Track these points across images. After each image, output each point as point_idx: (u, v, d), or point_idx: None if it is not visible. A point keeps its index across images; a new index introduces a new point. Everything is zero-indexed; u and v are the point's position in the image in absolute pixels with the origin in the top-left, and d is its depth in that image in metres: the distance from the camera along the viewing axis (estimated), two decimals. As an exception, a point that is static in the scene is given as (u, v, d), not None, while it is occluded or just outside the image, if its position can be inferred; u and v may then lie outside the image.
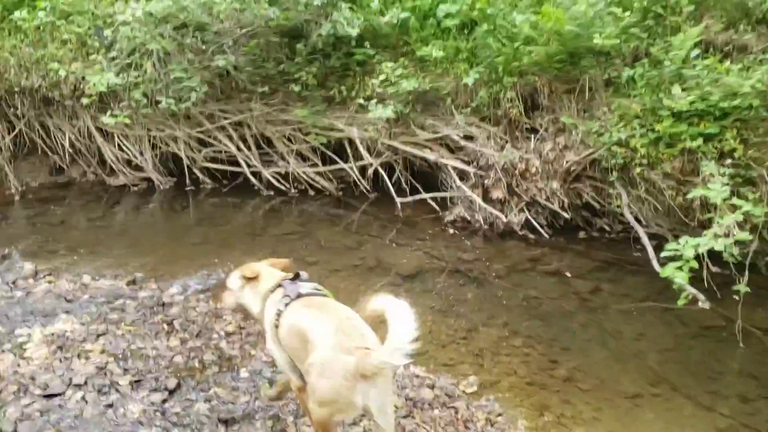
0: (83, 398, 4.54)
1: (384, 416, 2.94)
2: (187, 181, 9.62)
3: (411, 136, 8.30)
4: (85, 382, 4.71)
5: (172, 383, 4.72)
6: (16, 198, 9.37)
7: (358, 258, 7.37)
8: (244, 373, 4.90)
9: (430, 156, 8.19)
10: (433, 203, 8.52)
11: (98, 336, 5.44)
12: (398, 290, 6.55)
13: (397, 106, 7.63)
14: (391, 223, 8.32)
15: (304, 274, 3.58)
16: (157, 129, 9.14)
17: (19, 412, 4.34)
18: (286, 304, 3.33)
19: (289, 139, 9.02)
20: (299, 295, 3.34)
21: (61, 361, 5.05)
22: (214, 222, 8.67)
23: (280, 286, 3.46)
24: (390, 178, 8.66)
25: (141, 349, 5.22)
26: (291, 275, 3.53)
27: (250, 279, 3.58)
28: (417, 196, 8.42)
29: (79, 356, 5.12)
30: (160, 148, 9.40)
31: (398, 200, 8.36)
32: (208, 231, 8.37)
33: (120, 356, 5.03)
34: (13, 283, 6.82)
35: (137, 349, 5.22)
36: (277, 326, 3.32)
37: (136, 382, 4.68)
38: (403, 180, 8.85)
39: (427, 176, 8.86)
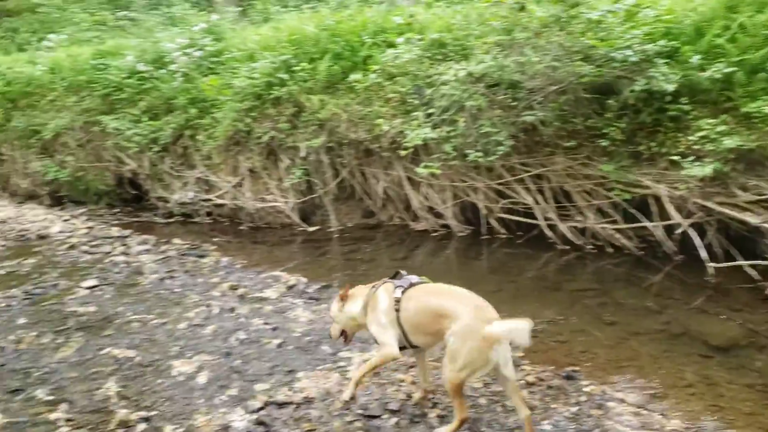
0: (397, 424, 4.94)
1: (508, 368, 4.13)
2: (483, 230, 10.09)
3: (729, 197, 7.72)
4: (399, 409, 5.12)
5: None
6: (335, 235, 10.74)
7: (661, 322, 7.05)
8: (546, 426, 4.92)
9: (753, 219, 7.52)
10: (751, 271, 7.75)
11: (409, 367, 5.92)
12: (709, 363, 6.09)
13: (716, 164, 7.19)
14: (699, 288, 7.80)
15: (403, 272, 4.83)
16: (460, 180, 9.83)
17: (343, 428, 4.92)
18: (402, 292, 4.53)
19: (589, 194, 9.02)
20: (411, 285, 4.58)
21: (377, 386, 5.59)
22: (508, 272, 8.97)
23: (382, 285, 4.77)
24: (701, 239, 8.11)
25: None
26: (392, 275, 4.86)
27: (345, 297, 4.90)
28: (734, 263, 7.74)
29: (392, 383, 5.62)
30: (460, 197, 10.05)
31: (710, 265, 7.78)
32: (501, 280, 8.70)
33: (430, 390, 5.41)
34: (337, 309, 7.75)
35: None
36: (398, 310, 4.47)
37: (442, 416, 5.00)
38: (715, 243, 8.21)
39: (744, 241, 8.13)
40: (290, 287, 8.35)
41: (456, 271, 9.54)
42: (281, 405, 5.44)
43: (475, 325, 4.05)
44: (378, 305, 4.57)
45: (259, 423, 5.18)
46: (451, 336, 4.13)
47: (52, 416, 5.46)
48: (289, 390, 5.67)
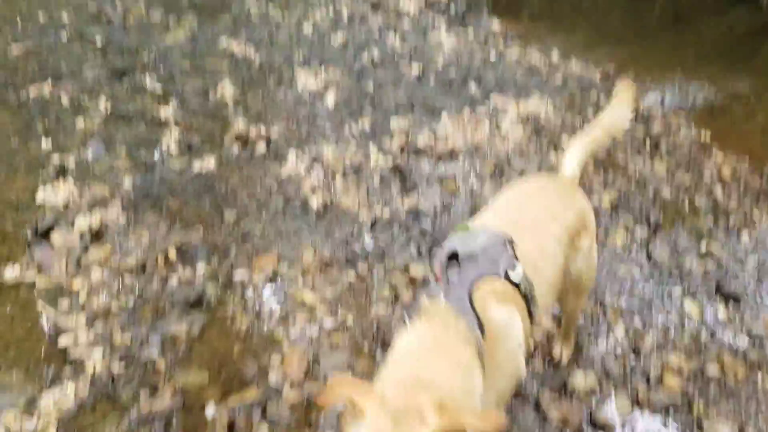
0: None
1: None
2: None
3: None
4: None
5: (656, 217, 4.09)
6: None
7: None
8: (745, 238, 4.02)
9: None
10: None
11: (574, 127, 4.97)
12: None
13: None
14: None
15: None
16: None
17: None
18: None
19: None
20: None
21: (535, 149, 4.72)
22: (692, 24, 7.33)
23: None
24: None
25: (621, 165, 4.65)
26: None
27: None
28: None
29: (555, 149, 4.73)
30: None
31: None
32: (682, 35, 7.11)
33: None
34: (485, 41, 6.60)
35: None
36: None
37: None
38: None
39: None
40: (431, 3, 7.11)
41: (629, 16, 7.98)
42: (420, 152, 4.68)
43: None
44: None
45: (395, 168, 4.47)
46: None
47: (162, 113, 4.89)
48: (431, 134, 4.86)
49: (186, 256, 3.67)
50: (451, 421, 1.39)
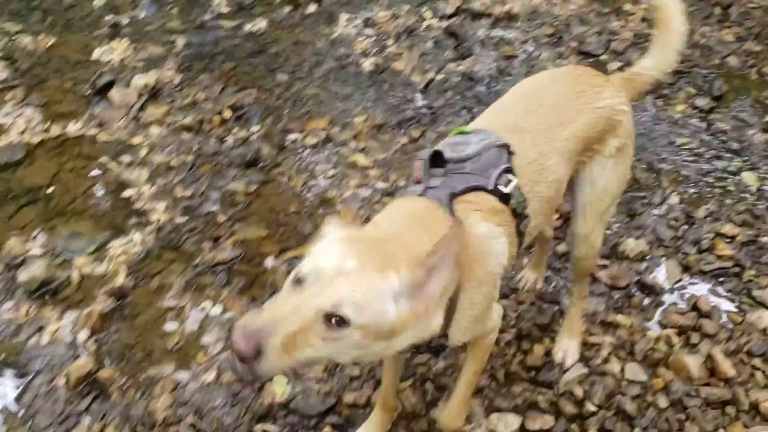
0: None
1: None
2: None
3: None
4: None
5: (720, 87, 3.93)
6: None
7: None
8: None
9: None
10: None
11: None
12: None
13: None
14: None
15: None
16: None
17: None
18: None
19: None
20: None
21: (596, 15, 4.50)
22: None
23: None
24: None
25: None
26: None
27: None
28: None
29: (617, 15, 4.49)
30: None
31: None
32: None
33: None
34: None
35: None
36: None
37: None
38: None
39: None
40: None
41: None
42: (476, 15, 4.52)
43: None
44: None
45: (450, 33, 4.34)
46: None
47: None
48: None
49: (241, 117, 3.71)
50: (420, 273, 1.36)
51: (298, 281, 1.37)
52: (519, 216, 1.74)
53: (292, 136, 3.57)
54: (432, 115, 3.69)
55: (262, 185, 3.29)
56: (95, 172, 3.33)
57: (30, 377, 2.47)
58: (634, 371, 2.46)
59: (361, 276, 1.34)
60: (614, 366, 2.48)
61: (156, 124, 3.62)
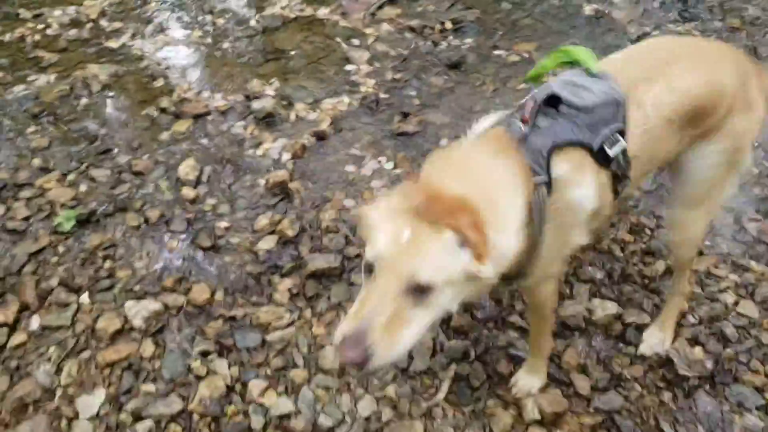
0: None
1: None
2: None
3: None
4: None
5: None
6: None
7: None
8: None
9: None
10: None
11: None
12: None
13: None
14: None
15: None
16: None
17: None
18: None
19: None
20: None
21: None
22: None
23: None
24: None
25: None
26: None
27: None
28: None
29: None
30: None
31: None
32: None
33: None
34: None
35: None
36: None
37: None
38: None
39: None
40: None
41: None
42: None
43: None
44: None
45: (681, -5, 4.39)
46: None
47: None
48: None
49: (459, 29, 4.17)
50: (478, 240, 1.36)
51: (369, 270, 1.41)
52: (619, 177, 1.68)
53: (497, 52, 3.96)
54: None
55: (458, 84, 3.73)
56: (330, 48, 4.00)
57: (242, 174, 3.19)
58: (748, 308, 2.49)
59: (420, 242, 1.36)
60: (729, 298, 2.52)
61: (387, 22, 4.21)
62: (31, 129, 3.42)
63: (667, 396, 2.21)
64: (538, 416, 2.16)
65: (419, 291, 1.35)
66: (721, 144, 1.86)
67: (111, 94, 3.71)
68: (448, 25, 4.16)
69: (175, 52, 4.07)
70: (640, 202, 2.96)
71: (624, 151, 1.63)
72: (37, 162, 3.20)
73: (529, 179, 1.53)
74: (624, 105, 1.64)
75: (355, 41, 4.06)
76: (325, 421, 2.13)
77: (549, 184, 1.55)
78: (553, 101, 1.63)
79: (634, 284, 2.60)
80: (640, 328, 2.40)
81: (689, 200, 2.00)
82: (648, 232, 2.82)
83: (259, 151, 3.30)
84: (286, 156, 3.23)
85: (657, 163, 1.88)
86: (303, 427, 2.12)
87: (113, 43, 4.14)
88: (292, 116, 3.52)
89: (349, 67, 3.86)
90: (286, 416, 2.15)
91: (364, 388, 2.22)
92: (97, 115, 3.54)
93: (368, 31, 4.12)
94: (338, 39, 4.09)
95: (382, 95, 3.64)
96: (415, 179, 1.55)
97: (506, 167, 1.53)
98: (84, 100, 3.64)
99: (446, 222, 1.35)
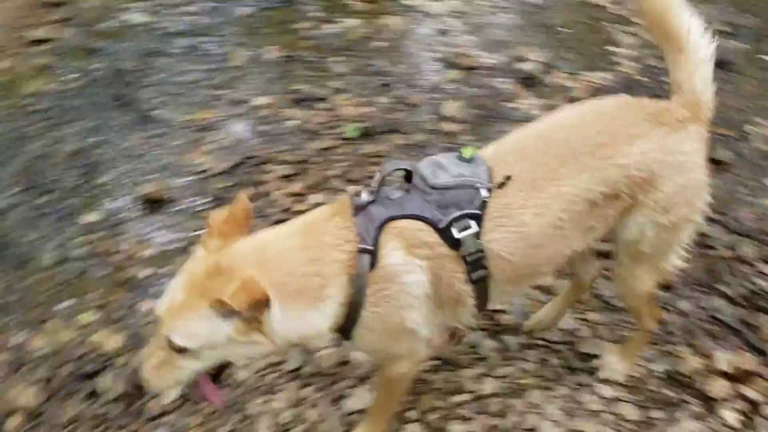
0: None
1: None
2: None
3: None
4: None
5: None
6: None
7: None
8: None
9: None
10: None
11: None
12: None
13: None
14: None
15: None
16: None
17: None
18: None
19: None
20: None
21: None
22: None
23: None
24: None
25: None
26: None
27: None
28: None
29: None
30: None
31: None
32: None
33: None
34: None
35: None
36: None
37: None
38: None
39: None
40: None
41: None
42: None
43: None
44: None
45: None
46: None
47: None
48: None
49: (728, 33, 4.26)
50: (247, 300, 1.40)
51: (157, 320, 1.57)
52: (471, 265, 1.62)
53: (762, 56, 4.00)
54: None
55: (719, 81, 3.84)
56: (596, 30, 4.29)
57: (496, 121, 3.62)
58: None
59: (185, 307, 1.46)
60: None
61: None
62: (334, 59, 4.14)
63: None
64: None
65: (178, 350, 1.50)
66: (649, 216, 1.77)
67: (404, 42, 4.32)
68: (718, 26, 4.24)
69: (457, 17, 4.57)
70: None
71: (476, 238, 1.59)
72: (335, 84, 3.91)
73: (355, 247, 1.55)
74: (489, 192, 1.61)
75: (621, 26, 4.30)
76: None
77: (374, 254, 1.55)
78: (411, 176, 1.66)
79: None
80: None
81: (632, 256, 1.92)
82: None
83: (515, 105, 3.72)
84: (538, 114, 3.61)
85: (558, 262, 1.83)
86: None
87: (409, 2, 4.75)
88: (551, 80, 3.89)
89: (611, 48, 4.13)
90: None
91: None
92: (387, 57, 4.17)
93: (635, 19, 4.34)
94: (604, 22, 4.36)
95: (639, 77, 3.87)
96: (217, 243, 1.58)
97: (331, 234, 1.58)
98: (379, 43, 4.30)
99: (210, 294, 1.43)
